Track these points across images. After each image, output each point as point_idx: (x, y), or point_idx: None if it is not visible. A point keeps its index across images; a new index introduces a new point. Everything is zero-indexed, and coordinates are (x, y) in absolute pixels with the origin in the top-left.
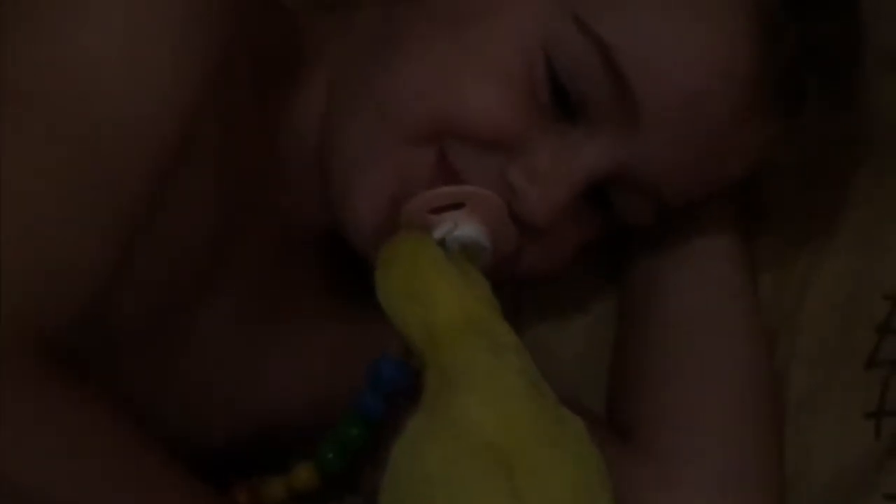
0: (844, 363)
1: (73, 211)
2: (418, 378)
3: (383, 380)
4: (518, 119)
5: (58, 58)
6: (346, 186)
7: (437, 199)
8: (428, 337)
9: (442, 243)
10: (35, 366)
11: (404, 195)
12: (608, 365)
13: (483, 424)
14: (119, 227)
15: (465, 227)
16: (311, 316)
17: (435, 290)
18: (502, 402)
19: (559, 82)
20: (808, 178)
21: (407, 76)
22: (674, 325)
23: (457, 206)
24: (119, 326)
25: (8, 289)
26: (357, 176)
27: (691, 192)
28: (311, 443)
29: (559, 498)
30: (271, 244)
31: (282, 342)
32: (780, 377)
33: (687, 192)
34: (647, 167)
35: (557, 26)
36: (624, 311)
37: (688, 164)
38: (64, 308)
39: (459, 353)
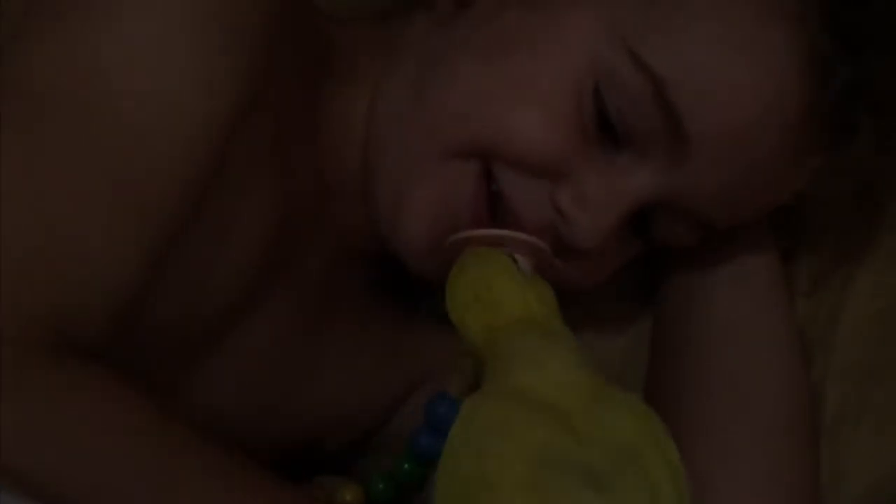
0: (880, 378)
1: (104, 223)
2: None
3: (439, 419)
4: (564, 146)
5: (88, 68)
6: (395, 206)
7: (486, 237)
8: (487, 336)
9: None
10: (58, 363)
11: (449, 212)
12: (643, 382)
13: (538, 388)
14: (152, 240)
15: None
16: (357, 324)
17: (499, 293)
18: (556, 372)
19: (608, 111)
20: (843, 195)
21: (455, 99)
22: (710, 336)
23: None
24: (163, 336)
25: (37, 295)
26: (404, 195)
27: (735, 218)
28: (349, 450)
29: (622, 439)
30: (319, 256)
31: (328, 351)
32: (816, 392)
33: (731, 219)
34: (693, 195)
35: (609, 56)
36: (660, 321)
37: (734, 194)
38: (94, 317)
39: (514, 342)
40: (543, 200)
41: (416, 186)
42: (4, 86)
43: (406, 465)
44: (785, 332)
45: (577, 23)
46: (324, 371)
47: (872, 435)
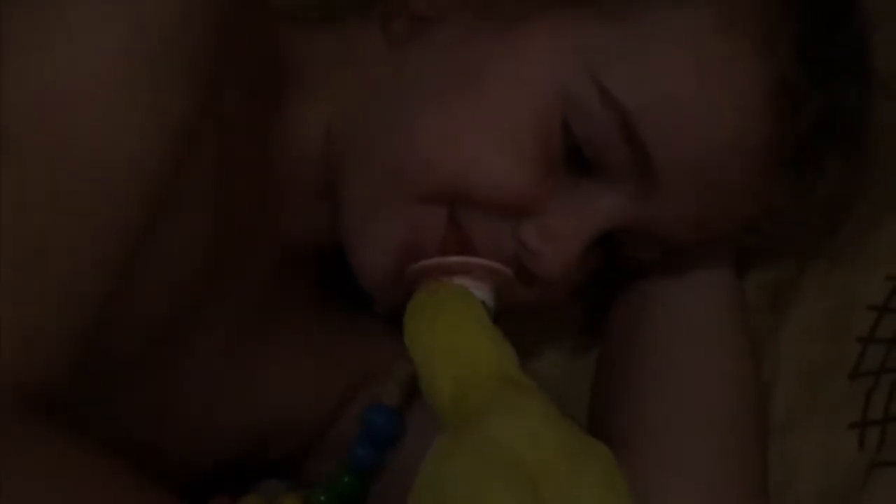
0: (830, 377)
1: (55, 264)
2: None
3: (376, 431)
4: (532, 186)
5: (36, 94)
6: (357, 237)
7: (447, 266)
8: (457, 392)
9: None
10: (20, 423)
11: (415, 251)
12: (590, 383)
13: (508, 438)
14: (106, 271)
15: (474, 292)
16: (302, 329)
17: (478, 348)
18: (527, 421)
19: (576, 142)
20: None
21: (419, 137)
22: (661, 338)
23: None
24: (113, 357)
25: None
26: (368, 229)
27: (698, 238)
28: (293, 458)
29: None
30: (266, 264)
31: (273, 357)
32: (767, 392)
33: (694, 240)
34: (659, 221)
35: (576, 89)
36: (611, 323)
37: (699, 219)
38: (53, 360)
39: (489, 394)
40: (507, 234)
41: (382, 226)
42: None
43: (346, 478)
44: (734, 332)
45: (542, 54)
46: (267, 377)
47: (823, 435)
